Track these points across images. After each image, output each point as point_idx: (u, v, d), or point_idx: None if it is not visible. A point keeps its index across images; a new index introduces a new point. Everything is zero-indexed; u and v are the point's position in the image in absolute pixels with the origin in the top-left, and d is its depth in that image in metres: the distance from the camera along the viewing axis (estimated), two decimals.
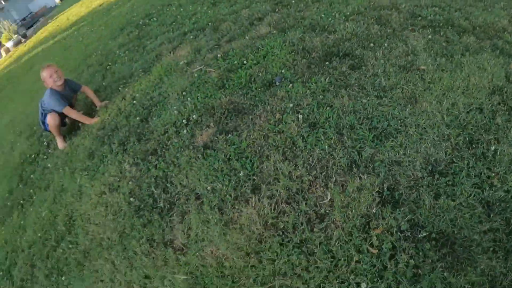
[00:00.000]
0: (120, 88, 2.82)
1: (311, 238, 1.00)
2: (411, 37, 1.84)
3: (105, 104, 2.83)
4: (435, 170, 1.07)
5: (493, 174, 1.05)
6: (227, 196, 1.28)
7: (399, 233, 0.97)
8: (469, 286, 0.87)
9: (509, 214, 0.96)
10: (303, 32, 2.17)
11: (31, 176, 2.75)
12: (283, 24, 2.41)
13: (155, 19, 4.47)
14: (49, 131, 2.87)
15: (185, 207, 1.39)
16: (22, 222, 2.30)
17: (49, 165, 2.64)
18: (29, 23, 16.44)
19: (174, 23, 3.85)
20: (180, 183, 1.48)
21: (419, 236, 0.97)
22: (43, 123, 2.91)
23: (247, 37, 2.48)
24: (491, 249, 0.92)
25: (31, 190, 2.54)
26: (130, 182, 1.73)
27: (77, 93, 3.04)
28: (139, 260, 1.35)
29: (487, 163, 1.08)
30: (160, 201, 1.50)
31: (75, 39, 6.29)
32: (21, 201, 2.53)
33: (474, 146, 1.14)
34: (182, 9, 4.23)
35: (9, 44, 10.83)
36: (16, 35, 11.11)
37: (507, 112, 1.26)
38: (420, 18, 2.10)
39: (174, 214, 1.40)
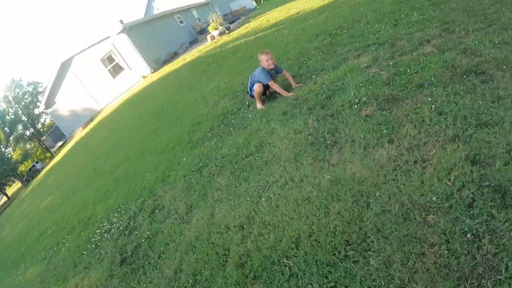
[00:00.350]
0: (313, 77, 4.25)
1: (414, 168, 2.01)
2: None
3: (299, 86, 4.03)
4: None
5: None
6: (371, 142, 2.38)
7: (471, 178, 1.84)
8: (508, 224, 1.67)
9: None
10: (456, 53, 3.02)
11: (232, 121, 4.43)
12: (444, 47, 3.21)
13: (345, 31, 5.82)
14: (253, 96, 4.55)
15: (343, 145, 2.56)
16: (219, 144, 3.90)
17: (249, 115, 4.25)
18: (231, 19, 21.11)
19: (361, 36, 5.07)
20: (344, 133, 2.66)
21: (484, 184, 1.81)
22: (250, 89, 4.54)
23: (414, 54, 3.43)
24: None
25: (231, 129, 4.16)
26: (310, 129, 3.01)
27: (277, 75, 4.28)
28: (303, 167, 2.59)
29: None
30: (328, 140, 2.73)
31: (275, 38, 8.36)
32: (221, 134, 4.23)
33: None
34: (369, 26, 5.41)
35: (215, 33, 14.50)
36: (221, 27, 14.83)
37: None
38: None
39: (335, 147, 2.59)
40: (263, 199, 2.37)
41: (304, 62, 5.08)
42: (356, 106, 2.91)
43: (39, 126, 40.53)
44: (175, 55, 15.84)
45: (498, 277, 1.23)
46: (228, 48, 10.42)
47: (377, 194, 1.84)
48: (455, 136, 1.99)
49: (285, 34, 8.13)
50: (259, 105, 4.21)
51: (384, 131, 2.35)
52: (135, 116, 9.28)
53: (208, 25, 15.21)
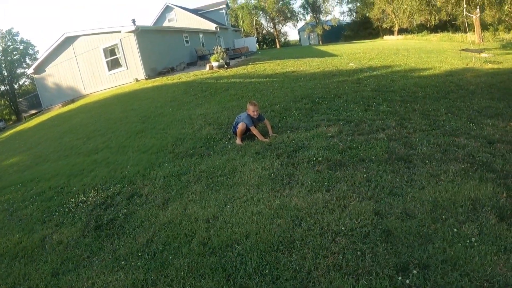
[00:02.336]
0: (288, 132, 5.15)
1: None
2: None
3: (275, 136, 4.90)
4: None
5: None
6: (314, 188, 3.25)
7: (370, 222, 2.71)
8: (386, 250, 2.54)
9: None
10: (398, 144, 4.07)
11: (213, 146, 5.19)
12: (392, 136, 4.32)
13: (326, 102, 6.91)
14: (235, 133, 5.32)
15: (294, 185, 3.40)
16: (199, 161, 4.53)
17: (229, 146, 5.05)
18: (232, 55, 22.38)
19: (336, 111, 6.10)
20: (298, 178, 3.53)
21: (378, 227, 2.68)
22: (234, 127, 5.01)
23: (369, 136, 4.45)
24: None
25: (211, 152, 4.91)
26: (274, 169, 3.77)
27: (259, 122, 5.08)
28: (262, 192, 3.36)
29: None
30: (285, 180, 3.56)
31: (266, 88, 9.19)
32: (202, 154, 4.96)
33: None
34: (346, 104, 6.50)
35: (214, 64, 15.44)
36: (222, 60, 15.92)
37: None
38: None
39: (288, 185, 3.43)
40: (228, 206, 3.13)
41: (284, 118, 6.05)
42: (312, 162, 3.81)
43: (16, 86, 39.06)
44: (171, 70, 16.62)
45: (370, 277, 2.05)
46: (223, 82, 11.37)
47: (307, 219, 2.67)
48: (371, 196, 2.89)
49: (276, 88, 9.19)
50: (238, 141, 4.99)
51: (326, 183, 3.23)
52: (122, 113, 9.74)
53: (211, 53, 16.27)
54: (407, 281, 1.97)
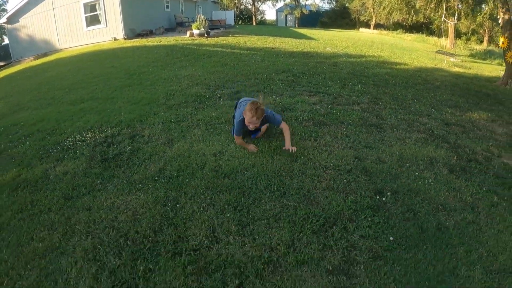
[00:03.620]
0: (274, 97, 5.65)
1: None
2: None
3: (291, 150, 3.15)
4: None
5: None
6: (304, 137, 3.81)
7: (352, 161, 3.33)
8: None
9: None
10: (371, 115, 4.76)
11: (205, 102, 5.58)
12: (366, 109, 5.02)
13: (306, 77, 7.43)
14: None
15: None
16: (194, 112, 4.81)
17: (221, 103, 5.46)
18: (210, 26, 22.23)
19: (316, 85, 6.65)
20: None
21: (356, 165, 3.29)
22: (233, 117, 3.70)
23: (346, 107, 5.12)
24: None
25: (204, 106, 5.21)
26: None
27: (267, 124, 3.67)
28: (258, 139, 3.92)
29: None
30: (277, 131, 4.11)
31: (249, 59, 9.37)
32: (195, 107, 5.23)
33: None
34: (324, 81, 7.05)
35: (195, 32, 15.41)
36: (203, 29, 15.94)
37: None
38: None
39: (281, 135, 3.98)
40: (231, 145, 3.60)
41: (269, 85, 6.51)
42: (299, 120, 4.37)
43: None
44: (150, 33, 16.37)
45: (356, 195, 2.63)
46: (205, 49, 11.55)
47: (302, 157, 3.23)
48: (350, 147, 3.52)
49: (258, 60, 9.59)
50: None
51: (313, 135, 3.82)
52: (103, 69, 9.66)
53: (190, 21, 16.21)
54: (383, 199, 2.60)
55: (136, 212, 2.60)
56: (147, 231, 2.37)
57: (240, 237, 2.24)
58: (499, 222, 2.63)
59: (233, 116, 3.69)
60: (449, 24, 22.06)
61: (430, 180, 3.03)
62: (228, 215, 2.46)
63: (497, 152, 4.18)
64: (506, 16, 10.25)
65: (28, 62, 15.40)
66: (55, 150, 4.13)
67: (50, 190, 3.16)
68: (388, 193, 2.71)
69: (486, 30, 33.53)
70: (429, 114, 5.44)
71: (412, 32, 34.93)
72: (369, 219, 2.44)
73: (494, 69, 12.88)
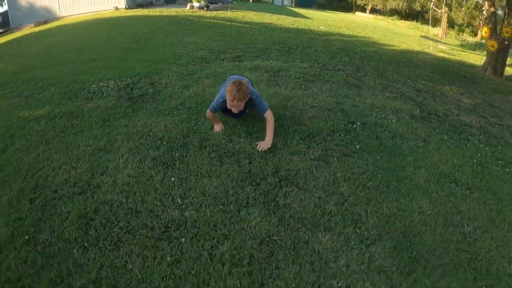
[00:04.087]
0: (270, 61, 6.55)
1: None
2: None
3: (262, 148, 2.90)
4: None
5: None
6: (296, 87, 4.69)
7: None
8: None
9: None
10: (353, 79, 5.68)
11: (211, 62, 6.38)
12: (350, 74, 5.96)
13: (299, 49, 8.20)
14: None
15: (281, 85, 4.82)
16: (203, 68, 5.54)
17: (225, 63, 6.31)
18: (209, 0, 22.63)
19: (308, 55, 7.46)
20: (283, 82, 4.95)
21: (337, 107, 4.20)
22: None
23: (332, 71, 6.04)
24: None
25: (211, 65, 6.01)
26: (265, 77, 5.25)
27: (248, 110, 3.26)
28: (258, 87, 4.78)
29: None
30: (273, 82, 4.96)
31: (247, 31, 10.07)
32: (203, 64, 6.08)
33: None
34: (315, 52, 7.92)
35: (195, 4, 15.80)
36: (203, 2, 16.43)
37: None
38: None
39: (277, 85, 4.83)
40: None
41: (266, 53, 7.33)
42: (292, 77, 5.26)
43: None
44: (150, 4, 16.80)
45: (334, 123, 3.54)
46: (206, 21, 12.18)
47: (293, 99, 4.11)
48: (333, 96, 4.43)
49: (256, 33, 10.33)
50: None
51: (303, 87, 4.74)
52: (109, 35, 10.24)
53: None
54: (354, 126, 3.54)
55: (167, 127, 3.45)
56: (177, 136, 3.23)
57: (248, 139, 3.12)
58: (445, 149, 3.56)
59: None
60: (439, 13, 22.90)
61: (393, 120, 3.96)
62: (239, 127, 3.34)
63: (456, 112, 5.11)
64: (492, 9, 11.12)
65: (29, 29, 15.69)
66: (82, 93, 4.81)
67: (87, 117, 3.83)
68: (359, 123, 3.64)
69: (481, 24, 34.48)
70: (404, 82, 6.35)
71: (408, 20, 35.58)
72: (342, 135, 3.36)
73: (480, 59, 13.90)
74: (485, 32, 11.30)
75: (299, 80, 5.09)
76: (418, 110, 4.67)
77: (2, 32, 18.05)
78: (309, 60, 6.85)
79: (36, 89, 5.29)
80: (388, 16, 38.37)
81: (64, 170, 2.85)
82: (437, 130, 4.08)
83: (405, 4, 26.75)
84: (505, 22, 10.62)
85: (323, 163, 2.86)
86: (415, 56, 11.15)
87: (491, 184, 3.04)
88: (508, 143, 4.23)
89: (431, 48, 14.33)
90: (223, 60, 6.51)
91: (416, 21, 34.85)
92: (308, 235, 2.12)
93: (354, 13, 40.90)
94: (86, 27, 12.82)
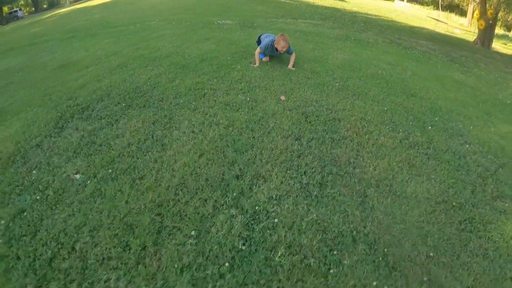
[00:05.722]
0: (280, 21, 11.22)
1: None
2: None
3: (292, 67, 4.96)
4: None
5: None
6: (298, 50, 9.35)
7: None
8: None
9: None
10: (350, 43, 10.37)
11: (279, 20, 11.18)
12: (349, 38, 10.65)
13: (332, 19, 12.92)
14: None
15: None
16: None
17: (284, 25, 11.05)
18: None
19: (337, 21, 12.22)
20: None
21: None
22: (260, 42, 5.12)
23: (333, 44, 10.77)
24: None
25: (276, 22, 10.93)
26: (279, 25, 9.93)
27: (282, 53, 4.94)
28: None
29: None
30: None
31: (298, 6, 15.25)
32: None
33: None
34: (346, 20, 12.62)
35: None
36: None
37: None
38: None
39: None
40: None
41: (308, 18, 11.99)
42: (297, 34, 9.94)
43: None
44: None
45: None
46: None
47: (313, 42, 8.85)
48: (340, 38, 9.11)
49: (303, 7, 14.97)
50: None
51: (354, 45, 9.42)
52: (195, 1, 15.22)
53: None
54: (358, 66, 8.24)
55: None
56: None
57: (278, 68, 7.89)
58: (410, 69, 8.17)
59: (258, 42, 5.18)
60: (469, 6, 26.33)
61: (379, 45, 8.55)
62: (268, 68, 8.10)
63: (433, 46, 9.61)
64: None
65: (67, 5, 20.89)
66: (214, 24, 9.81)
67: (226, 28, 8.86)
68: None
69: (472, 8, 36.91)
70: (397, 39, 10.83)
71: (446, 11, 38.50)
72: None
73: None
74: (476, 14, 15.40)
75: (299, 34, 9.75)
76: (398, 46, 9.22)
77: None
78: (336, 24, 11.48)
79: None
80: (426, 5, 41.24)
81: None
82: (409, 52, 8.62)
83: None
84: (490, 5, 14.72)
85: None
86: (420, 30, 15.41)
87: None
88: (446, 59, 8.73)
89: (443, 28, 18.38)
90: (286, 18, 11.28)
91: (450, 12, 37.76)
92: None
93: (394, 1, 44.04)
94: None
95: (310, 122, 3.44)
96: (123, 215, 2.15)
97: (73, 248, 1.94)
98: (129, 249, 1.94)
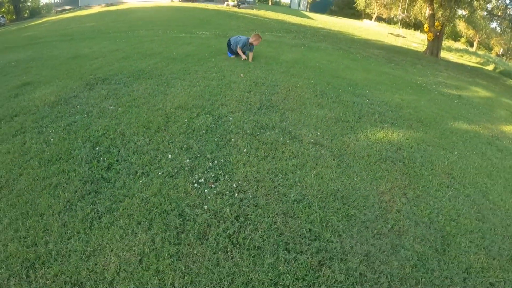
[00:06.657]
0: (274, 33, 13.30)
1: None
2: None
3: (251, 60, 6.95)
4: None
5: None
6: (296, 52, 11.40)
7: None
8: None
9: None
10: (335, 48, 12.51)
11: (250, 33, 13.23)
12: (335, 47, 12.82)
13: (296, 32, 15.10)
14: (230, 51, 7.54)
15: (282, 49, 11.53)
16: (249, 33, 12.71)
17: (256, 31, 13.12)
18: (239, 1, 29.92)
19: (300, 35, 14.39)
20: (282, 50, 11.67)
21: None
22: (230, 45, 7.34)
23: (318, 48, 12.92)
24: None
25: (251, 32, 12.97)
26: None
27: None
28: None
29: None
30: (274, 45, 11.68)
31: (267, 22, 17.39)
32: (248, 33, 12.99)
33: None
34: (306, 35, 14.81)
35: (231, 3, 23.11)
36: (236, 1, 23.53)
37: None
38: None
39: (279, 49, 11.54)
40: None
41: (278, 32, 14.13)
42: (289, 36, 12.05)
43: None
44: (195, 0, 23.90)
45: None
46: (239, 15, 19.18)
47: (275, 43, 10.90)
48: (299, 45, 11.19)
49: (272, 23, 17.20)
50: (243, 57, 7.17)
51: (305, 50, 11.50)
52: (179, 15, 17.23)
53: None
54: (318, 64, 10.29)
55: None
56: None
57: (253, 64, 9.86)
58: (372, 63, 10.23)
59: (229, 45, 7.43)
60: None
61: (328, 51, 10.62)
62: (248, 63, 10.07)
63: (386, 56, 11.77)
64: (431, 12, 17.78)
65: (100, 8, 22.77)
66: (195, 35, 11.74)
67: (204, 39, 10.78)
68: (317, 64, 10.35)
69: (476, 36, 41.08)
70: (347, 48, 13.03)
71: (410, 29, 42.02)
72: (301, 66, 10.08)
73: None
74: (426, 27, 17.99)
75: (294, 35, 11.81)
76: (347, 53, 11.32)
77: (69, 9, 25.10)
78: (299, 36, 13.62)
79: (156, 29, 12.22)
80: (392, 24, 44.79)
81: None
82: (365, 60, 10.70)
83: (400, 14, 33.29)
84: (437, 18, 17.34)
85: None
86: (376, 42, 17.87)
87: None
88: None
89: (399, 42, 21.00)
90: (255, 32, 13.32)
91: (415, 30, 41.29)
92: None
93: (362, 21, 47.60)
94: (155, 9, 19.89)
95: (257, 85, 5.32)
96: (144, 119, 3.89)
97: (115, 131, 3.65)
98: (149, 129, 3.68)
